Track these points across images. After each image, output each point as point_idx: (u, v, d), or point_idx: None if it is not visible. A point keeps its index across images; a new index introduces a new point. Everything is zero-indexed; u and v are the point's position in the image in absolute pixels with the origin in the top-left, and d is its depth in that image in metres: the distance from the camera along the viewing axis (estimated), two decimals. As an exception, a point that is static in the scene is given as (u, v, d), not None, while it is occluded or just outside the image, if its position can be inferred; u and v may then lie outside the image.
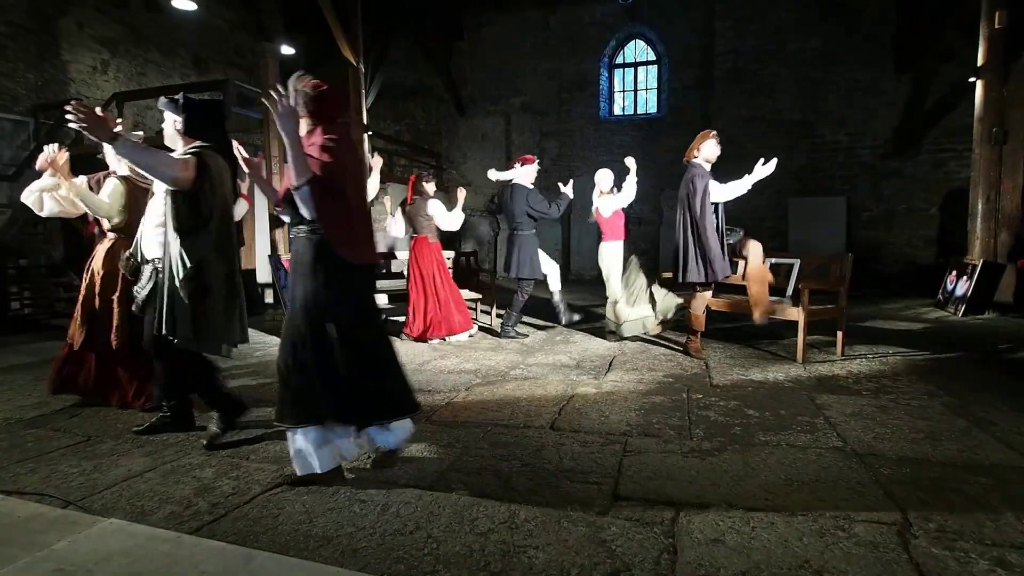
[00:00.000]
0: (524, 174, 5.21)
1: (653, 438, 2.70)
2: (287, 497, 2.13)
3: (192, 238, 2.53)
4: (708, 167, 4.25)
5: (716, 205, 4.20)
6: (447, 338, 5.13)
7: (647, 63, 11.85)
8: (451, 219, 5.22)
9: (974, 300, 6.23)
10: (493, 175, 5.42)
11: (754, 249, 4.41)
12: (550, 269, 5.65)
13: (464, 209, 5.39)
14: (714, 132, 4.31)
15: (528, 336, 5.36)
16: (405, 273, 5.39)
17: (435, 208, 5.15)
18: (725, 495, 2.10)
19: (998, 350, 4.60)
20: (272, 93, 2.05)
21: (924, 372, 3.85)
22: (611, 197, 5.18)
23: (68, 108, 2.23)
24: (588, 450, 2.56)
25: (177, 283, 2.50)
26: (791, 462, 2.40)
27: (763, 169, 4.07)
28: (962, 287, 6.47)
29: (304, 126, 2.24)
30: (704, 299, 4.44)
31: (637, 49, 11.92)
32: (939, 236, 9.44)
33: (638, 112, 11.97)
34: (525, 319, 5.84)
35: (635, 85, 12.03)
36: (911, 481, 2.20)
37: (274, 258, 6.25)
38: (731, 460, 2.43)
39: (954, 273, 6.79)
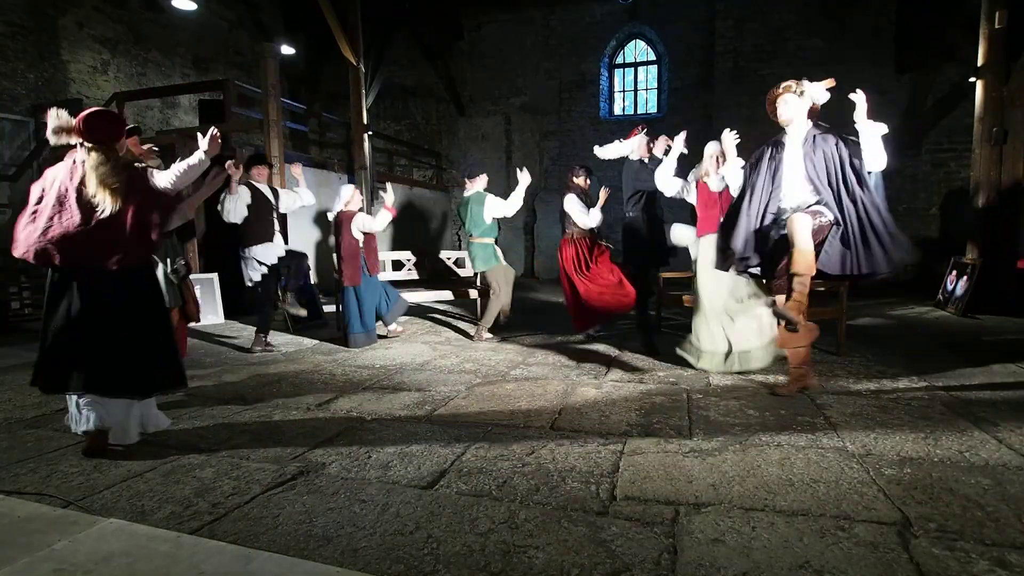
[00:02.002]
0: (632, 148, 4.86)
1: (653, 438, 2.70)
2: (287, 497, 2.13)
3: None
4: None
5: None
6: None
7: (647, 63, 11.83)
8: (589, 217, 5.05)
9: (974, 300, 6.23)
10: (599, 152, 5.08)
11: (800, 229, 2.97)
12: None
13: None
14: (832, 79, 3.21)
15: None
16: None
17: (570, 205, 5.04)
18: (725, 495, 2.10)
19: (998, 350, 4.59)
20: None
21: (924, 372, 3.85)
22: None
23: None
24: (588, 450, 2.56)
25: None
26: (791, 462, 2.40)
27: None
28: (962, 287, 6.46)
29: None
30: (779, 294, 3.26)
31: (637, 49, 11.90)
32: (939, 236, 9.44)
33: (638, 112, 11.95)
34: (526, 320, 5.82)
35: (635, 85, 12.01)
36: (911, 481, 2.20)
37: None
38: (731, 460, 2.43)
39: (954, 273, 6.78)
